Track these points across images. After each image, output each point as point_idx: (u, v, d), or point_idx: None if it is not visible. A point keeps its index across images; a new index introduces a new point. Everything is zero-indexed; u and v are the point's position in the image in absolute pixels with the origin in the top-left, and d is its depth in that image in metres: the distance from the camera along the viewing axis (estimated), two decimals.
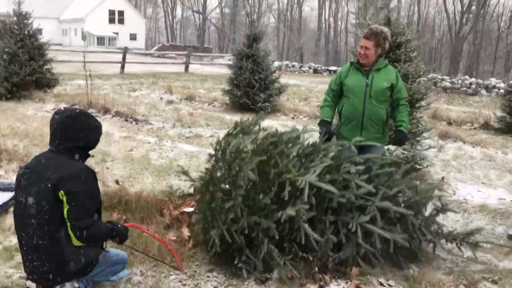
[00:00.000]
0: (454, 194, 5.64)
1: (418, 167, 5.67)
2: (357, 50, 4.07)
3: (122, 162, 5.84)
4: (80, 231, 2.60)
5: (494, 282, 3.48)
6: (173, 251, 3.43)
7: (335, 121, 4.39)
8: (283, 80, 13.56)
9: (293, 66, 29.35)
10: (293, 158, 3.56)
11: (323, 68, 28.75)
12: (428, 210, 3.84)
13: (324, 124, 4.10)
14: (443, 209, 3.86)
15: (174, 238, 3.81)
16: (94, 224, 2.66)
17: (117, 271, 3.01)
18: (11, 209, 4.32)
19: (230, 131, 3.79)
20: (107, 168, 5.49)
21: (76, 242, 2.63)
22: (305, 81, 20.60)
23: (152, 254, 3.49)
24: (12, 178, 5.02)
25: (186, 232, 3.84)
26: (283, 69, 26.43)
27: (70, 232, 2.61)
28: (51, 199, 2.60)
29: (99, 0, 52.00)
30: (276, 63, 11.97)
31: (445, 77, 20.54)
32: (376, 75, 3.96)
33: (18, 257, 3.47)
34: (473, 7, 44.26)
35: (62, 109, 2.80)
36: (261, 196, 3.39)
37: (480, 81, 19.88)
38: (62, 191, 2.57)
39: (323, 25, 54.64)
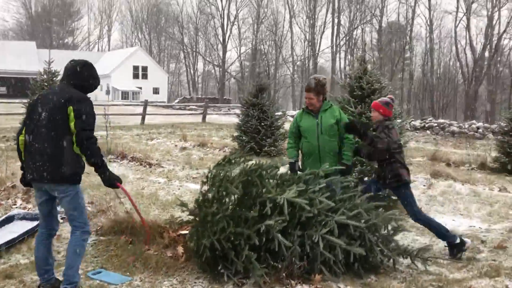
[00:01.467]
0: None
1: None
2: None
3: (133, 198, 6.62)
4: (82, 139, 3.37)
5: (439, 287, 4.06)
6: (148, 230, 4.45)
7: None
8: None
9: None
10: (273, 182, 4.32)
11: None
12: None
13: (290, 164, 4.91)
14: (399, 229, 4.54)
15: (171, 255, 4.52)
16: (94, 139, 3.45)
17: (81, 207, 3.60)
18: (36, 234, 5.10)
19: (219, 162, 4.57)
20: (120, 202, 6.28)
21: (76, 149, 3.41)
22: None
23: (150, 266, 4.23)
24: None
25: (180, 249, 4.55)
26: None
27: (74, 139, 3.38)
28: (61, 113, 3.41)
29: (124, 57, 54.78)
30: (279, 112, 12.77)
31: (453, 122, 21.15)
32: (323, 115, 4.76)
33: None
34: (486, 54, 45.19)
35: (76, 59, 3.75)
36: (245, 211, 4.12)
37: (487, 125, 20.43)
38: (71, 107, 3.40)
39: (338, 75, 56.13)
